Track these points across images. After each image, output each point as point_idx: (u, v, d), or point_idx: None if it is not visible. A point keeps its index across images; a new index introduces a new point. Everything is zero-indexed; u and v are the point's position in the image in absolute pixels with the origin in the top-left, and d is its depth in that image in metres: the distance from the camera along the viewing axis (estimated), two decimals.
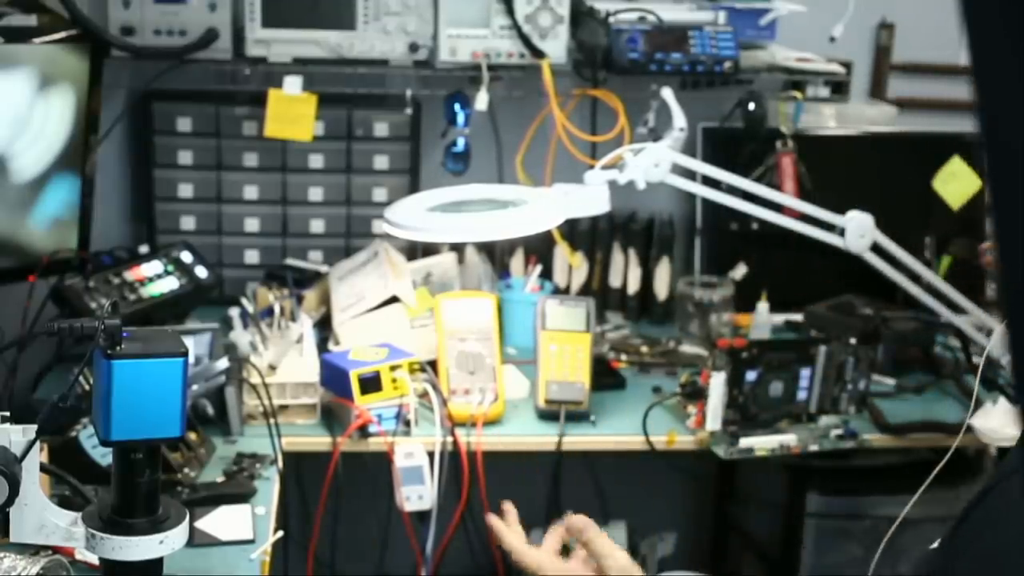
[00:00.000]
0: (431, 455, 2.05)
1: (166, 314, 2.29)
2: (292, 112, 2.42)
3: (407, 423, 2.06)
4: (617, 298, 2.68)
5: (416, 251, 2.54)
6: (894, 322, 2.38)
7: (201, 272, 2.39)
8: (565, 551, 1.53)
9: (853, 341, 2.14)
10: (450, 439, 2.06)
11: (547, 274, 2.62)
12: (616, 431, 2.14)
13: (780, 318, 2.54)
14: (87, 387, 1.74)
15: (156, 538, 1.15)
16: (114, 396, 1.11)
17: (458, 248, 2.55)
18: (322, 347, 2.27)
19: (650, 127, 2.48)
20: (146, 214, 2.59)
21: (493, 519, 1.57)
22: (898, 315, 2.40)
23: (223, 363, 2.02)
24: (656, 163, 2.23)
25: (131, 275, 2.28)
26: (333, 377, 2.08)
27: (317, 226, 2.63)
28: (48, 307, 2.16)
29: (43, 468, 1.28)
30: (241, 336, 2.18)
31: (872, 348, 2.21)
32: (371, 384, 2.04)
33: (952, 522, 1.25)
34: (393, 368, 2.06)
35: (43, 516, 1.17)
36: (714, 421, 2.04)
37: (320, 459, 2.05)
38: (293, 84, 2.41)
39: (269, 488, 1.86)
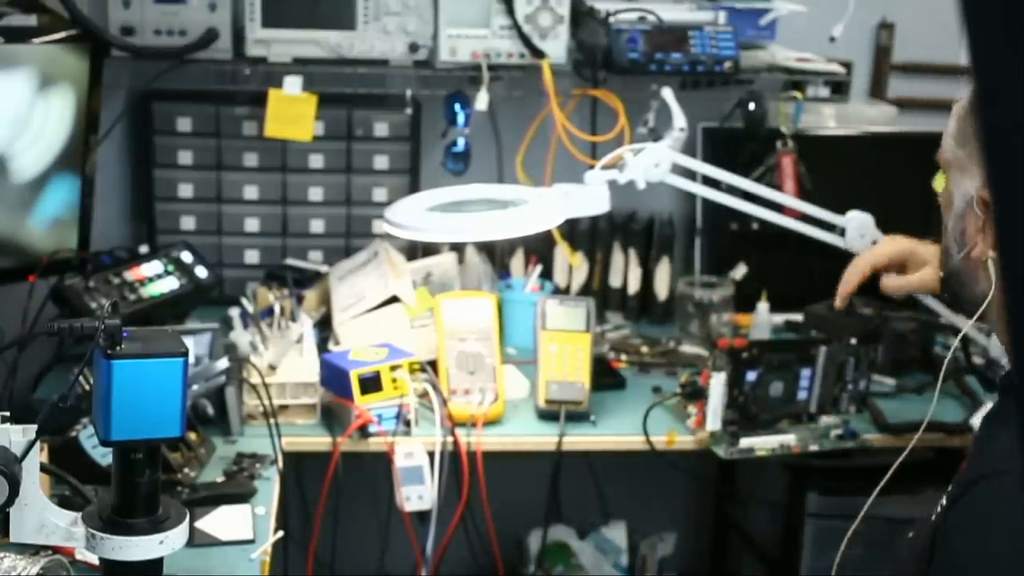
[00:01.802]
0: (431, 455, 2.05)
1: (166, 314, 2.29)
2: (292, 112, 2.42)
3: (407, 423, 2.06)
4: (617, 298, 2.68)
5: (416, 251, 2.54)
6: (894, 322, 2.38)
7: (201, 272, 2.39)
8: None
9: (853, 341, 2.14)
10: (450, 439, 2.06)
11: (547, 274, 2.62)
12: (616, 431, 2.14)
13: (780, 318, 2.54)
14: (87, 387, 1.74)
15: (156, 538, 1.15)
16: (114, 396, 1.11)
17: (458, 248, 2.55)
18: (322, 347, 2.27)
19: (650, 127, 2.48)
20: (146, 214, 2.59)
21: None
22: (898, 315, 2.40)
23: (223, 363, 2.02)
24: (656, 163, 2.23)
25: (131, 275, 2.28)
26: (333, 377, 2.08)
27: (317, 226, 2.63)
28: (48, 307, 2.16)
29: (43, 468, 1.28)
30: (241, 336, 2.18)
31: (872, 348, 2.21)
32: (371, 384, 2.04)
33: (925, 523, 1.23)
34: (393, 368, 2.06)
35: (43, 516, 1.17)
36: (714, 421, 2.04)
37: (320, 459, 2.05)
38: (293, 84, 2.41)
39: (269, 488, 1.86)
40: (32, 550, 1.39)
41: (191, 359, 1.31)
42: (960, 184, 1.31)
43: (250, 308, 2.33)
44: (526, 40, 2.39)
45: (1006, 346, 1.36)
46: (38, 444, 1.16)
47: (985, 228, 1.28)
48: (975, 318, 1.36)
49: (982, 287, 1.31)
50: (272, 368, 2.10)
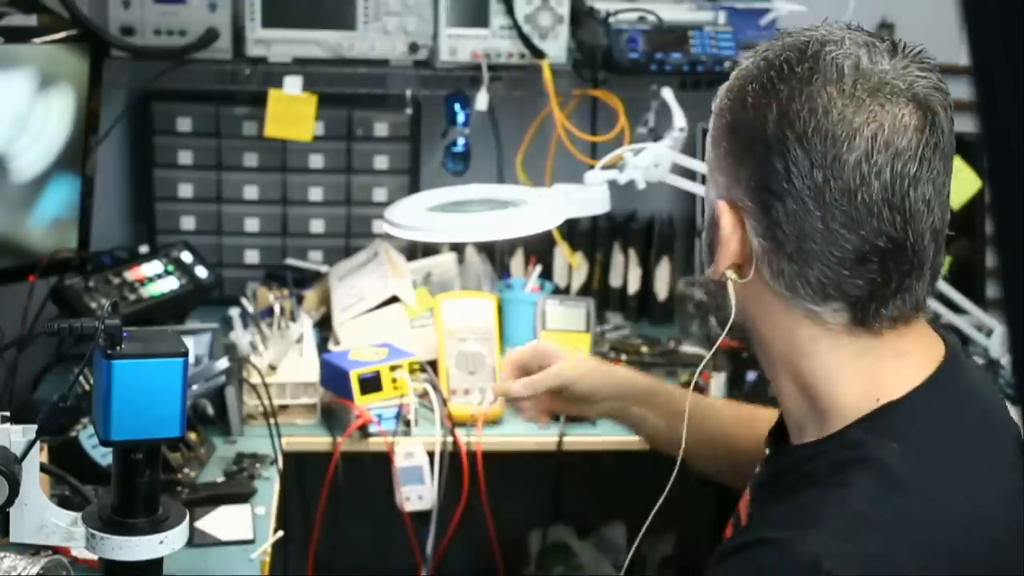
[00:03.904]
0: (431, 455, 2.05)
1: (166, 314, 2.29)
2: (292, 112, 2.42)
3: (407, 423, 2.06)
4: (617, 298, 2.68)
5: (416, 251, 2.54)
6: None
7: (201, 272, 2.39)
8: None
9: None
10: (450, 439, 2.06)
11: (547, 274, 2.62)
12: (616, 431, 2.13)
13: None
14: (87, 387, 1.74)
15: (156, 538, 1.15)
16: (114, 396, 1.11)
17: (458, 248, 2.55)
18: (322, 347, 2.27)
19: (650, 127, 2.48)
20: (146, 214, 2.59)
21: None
22: None
23: (223, 363, 2.02)
24: (656, 163, 2.23)
25: (131, 275, 2.28)
26: (333, 377, 2.08)
27: (317, 226, 2.63)
28: (48, 307, 2.16)
29: (43, 468, 1.28)
30: (241, 336, 2.18)
31: None
32: (371, 384, 2.04)
33: None
34: (393, 368, 2.06)
35: (43, 516, 1.17)
36: None
37: (320, 459, 2.05)
38: (293, 84, 2.41)
39: (269, 488, 1.86)
40: (32, 550, 1.39)
41: (191, 359, 1.31)
42: (708, 190, 1.14)
43: (250, 308, 2.33)
44: (526, 40, 2.39)
45: (776, 368, 1.12)
46: (38, 444, 1.16)
47: (718, 243, 1.09)
48: (715, 347, 1.23)
49: (726, 312, 1.13)
50: (272, 368, 2.10)
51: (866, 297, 1.05)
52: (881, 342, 1.07)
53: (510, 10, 2.39)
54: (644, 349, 2.48)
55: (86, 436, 1.73)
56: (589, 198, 2.21)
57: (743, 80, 1.09)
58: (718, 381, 2.03)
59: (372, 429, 2.03)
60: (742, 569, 1.01)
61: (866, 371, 1.07)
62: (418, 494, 2.03)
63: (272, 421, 1.98)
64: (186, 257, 2.39)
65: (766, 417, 1.37)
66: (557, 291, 2.59)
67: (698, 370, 1.27)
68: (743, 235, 1.07)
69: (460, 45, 2.40)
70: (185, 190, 2.57)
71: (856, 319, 1.06)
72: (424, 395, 2.11)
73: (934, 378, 1.08)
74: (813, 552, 0.95)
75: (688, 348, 2.48)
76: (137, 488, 1.15)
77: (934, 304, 2.39)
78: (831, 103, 1.02)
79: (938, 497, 1.00)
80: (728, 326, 1.14)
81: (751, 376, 2.05)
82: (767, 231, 1.05)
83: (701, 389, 2.08)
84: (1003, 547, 1.00)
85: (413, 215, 2.21)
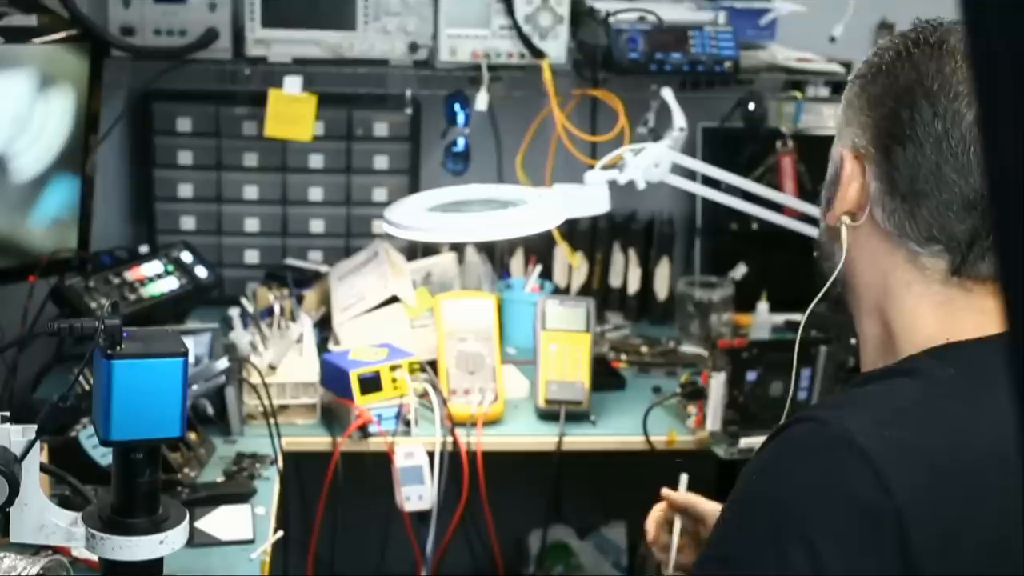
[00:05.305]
0: (431, 455, 2.05)
1: (166, 314, 2.29)
2: (292, 112, 2.42)
3: (407, 423, 2.06)
4: (617, 298, 2.68)
5: (416, 251, 2.54)
6: None
7: (201, 272, 2.39)
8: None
9: (853, 341, 2.14)
10: (450, 439, 2.06)
11: (547, 274, 2.62)
12: (616, 431, 2.14)
13: (780, 318, 2.54)
14: (87, 387, 1.74)
15: (156, 538, 1.15)
16: (114, 396, 1.11)
17: (458, 248, 2.55)
18: (322, 347, 2.27)
19: (650, 127, 2.48)
20: (146, 214, 2.59)
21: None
22: None
23: (223, 363, 2.02)
24: (656, 163, 2.23)
25: (131, 275, 2.28)
26: (333, 377, 2.08)
27: (317, 226, 2.63)
28: (48, 307, 2.16)
29: (43, 468, 1.28)
30: (241, 336, 2.18)
31: None
32: (371, 384, 2.04)
33: None
34: (393, 368, 2.06)
35: (43, 516, 1.17)
36: (714, 421, 2.04)
37: (320, 459, 2.05)
38: (293, 84, 2.41)
39: (269, 488, 1.86)
40: (32, 550, 1.39)
41: (191, 359, 1.31)
42: (833, 149, 1.21)
43: (250, 308, 2.33)
44: (526, 40, 2.39)
45: (857, 315, 1.23)
46: (38, 444, 1.16)
47: (837, 190, 1.18)
48: (819, 296, 1.27)
49: (834, 260, 1.21)
50: (272, 368, 2.10)
51: (967, 243, 1.12)
52: (968, 297, 1.15)
53: (510, 10, 2.39)
54: (644, 349, 2.48)
55: (86, 436, 1.73)
56: (589, 198, 2.21)
57: (881, 51, 1.18)
58: (718, 381, 2.02)
59: (372, 429, 2.03)
60: (785, 441, 1.10)
61: (945, 319, 1.15)
62: (418, 494, 2.03)
63: (272, 421, 1.98)
64: (186, 257, 2.39)
65: None
66: (557, 291, 2.59)
67: (808, 310, 1.34)
68: (863, 182, 1.16)
69: (460, 45, 2.40)
70: (185, 190, 2.57)
71: (953, 266, 1.13)
72: (424, 395, 2.11)
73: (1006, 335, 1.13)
74: (848, 428, 1.03)
75: (688, 348, 2.48)
76: (137, 488, 1.15)
77: None
78: (959, 65, 1.11)
79: (978, 414, 1.07)
80: (835, 272, 1.23)
81: (751, 376, 2.05)
82: (885, 174, 1.14)
83: (700, 389, 2.08)
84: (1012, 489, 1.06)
85: (413, 215, 2.21)
